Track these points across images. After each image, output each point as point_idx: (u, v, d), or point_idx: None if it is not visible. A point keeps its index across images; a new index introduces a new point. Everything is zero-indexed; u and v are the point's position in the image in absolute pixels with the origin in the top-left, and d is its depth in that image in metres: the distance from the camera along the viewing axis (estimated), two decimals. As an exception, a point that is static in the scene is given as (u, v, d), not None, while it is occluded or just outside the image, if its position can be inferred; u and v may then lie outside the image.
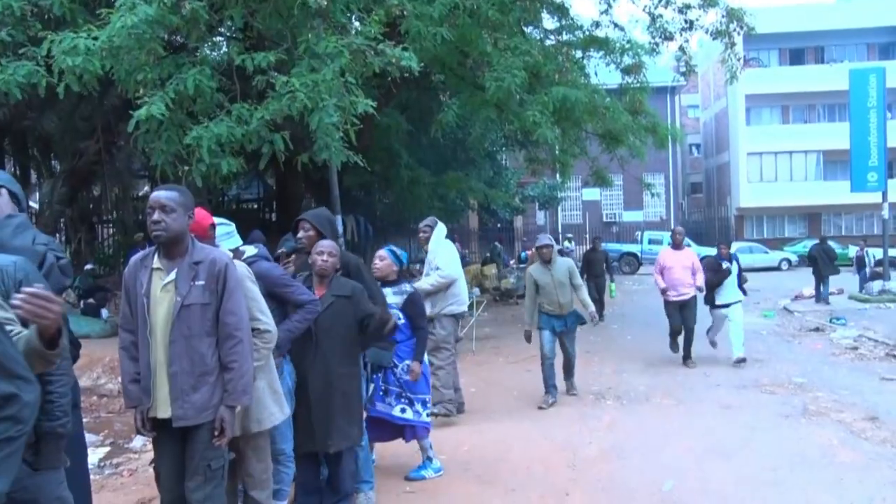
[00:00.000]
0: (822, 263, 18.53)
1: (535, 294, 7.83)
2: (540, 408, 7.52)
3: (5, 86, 6.57)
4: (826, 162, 36.57)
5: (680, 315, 9.85)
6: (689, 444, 6.18)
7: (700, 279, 9.73)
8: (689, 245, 14.20)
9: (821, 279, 18.56)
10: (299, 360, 4.19)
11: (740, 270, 10.00)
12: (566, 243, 28.72)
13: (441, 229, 7.28)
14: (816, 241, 20.42)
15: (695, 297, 9.83)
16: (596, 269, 15.07)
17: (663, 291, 9.88)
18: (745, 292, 10.13)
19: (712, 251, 28.87)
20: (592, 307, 8.13)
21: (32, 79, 6.66)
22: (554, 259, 7.84)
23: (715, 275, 9.76)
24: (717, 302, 9.89)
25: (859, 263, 20.11)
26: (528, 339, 7.87)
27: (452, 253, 7.34)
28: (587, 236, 34.55)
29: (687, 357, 9.94)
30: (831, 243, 20.39)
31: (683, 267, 9.79)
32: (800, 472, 5.44)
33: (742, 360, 9.52)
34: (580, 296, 7.96)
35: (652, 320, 13.21)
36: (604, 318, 14.22)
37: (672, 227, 37.41)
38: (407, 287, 5.29)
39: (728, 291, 9.84)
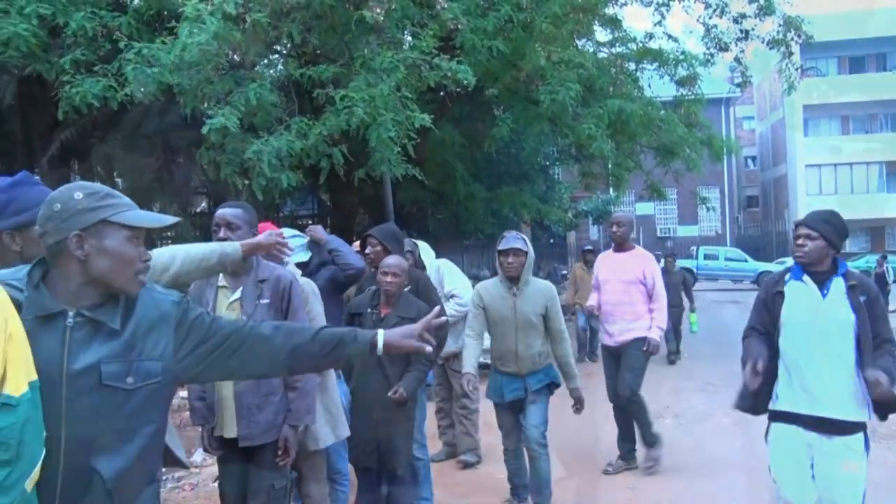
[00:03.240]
0: None
1: (481, 331, 4.70)
2: None
3: (82, 99, 6.82)
4: (889, 173, 35.59)
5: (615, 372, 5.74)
6: (753, 465, 5.96)
7: (660, 313, 5.56)
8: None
9: None
10: (361, 378, 4.17)
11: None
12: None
13: (427, 249, 5.82)
14: None
15: (642, 342, 5.52)
16: (671, 298, 9.96)
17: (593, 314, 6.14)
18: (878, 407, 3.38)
19: (772, 267, 27.96)
20: (578, 382, 4.81)
21: (106, 93, 6.92)
22: (525, 278, 4.59)
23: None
24: (797, 411, 3.49)
25: (879, 281, 17.59)
26: (468, 386, 4.81)
27: (463, 275, 6.33)
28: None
29: (625, 457, 5.80)
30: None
31: (625, 282, 5.59)
32: (871, 496, 5.21)
33: None
34: (559, 352, 4.72)
35: (706, 336, 12.92)
36: (680, 356, 11.60)
37: (728, 241, 36.64)
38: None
39: (840, 389, 3.39)
